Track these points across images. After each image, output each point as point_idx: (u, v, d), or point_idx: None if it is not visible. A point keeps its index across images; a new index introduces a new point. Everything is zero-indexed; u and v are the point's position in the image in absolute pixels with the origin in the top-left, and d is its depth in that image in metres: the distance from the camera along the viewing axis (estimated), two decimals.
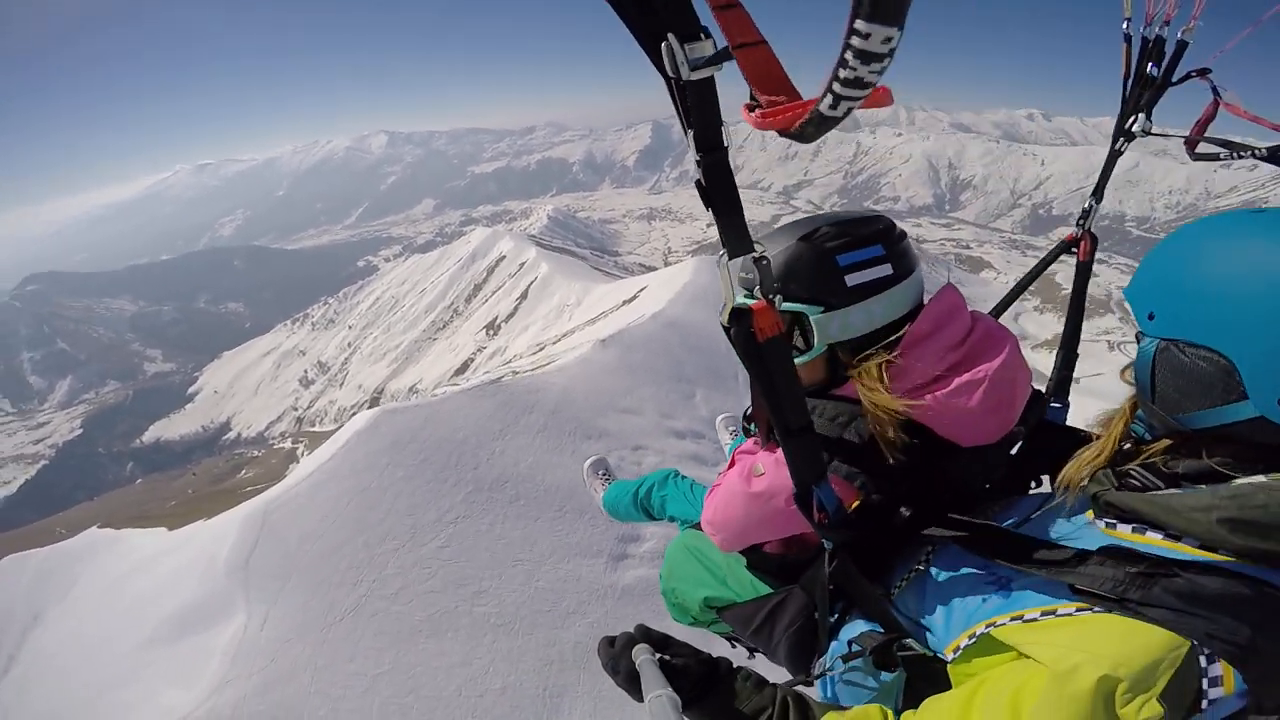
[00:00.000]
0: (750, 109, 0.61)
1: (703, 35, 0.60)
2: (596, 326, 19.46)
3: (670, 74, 0.62)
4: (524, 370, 14.79)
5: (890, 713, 0.98)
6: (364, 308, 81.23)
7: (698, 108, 0.67)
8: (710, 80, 0.63)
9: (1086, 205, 1.73)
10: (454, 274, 64.38)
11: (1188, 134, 1.57)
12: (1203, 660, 0.72)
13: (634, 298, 21.04)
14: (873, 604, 1.18)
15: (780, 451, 1.13)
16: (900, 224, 1.32)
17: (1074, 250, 1.78)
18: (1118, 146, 1.66)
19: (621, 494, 2.65)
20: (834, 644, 1.28)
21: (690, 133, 0.69)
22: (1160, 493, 0.84)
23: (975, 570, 1.03)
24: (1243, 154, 1.44)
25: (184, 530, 7.91)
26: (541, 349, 23.04)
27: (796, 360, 1.23)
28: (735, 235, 0.80)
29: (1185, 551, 0.79)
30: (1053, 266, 1.93)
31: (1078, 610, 0.81)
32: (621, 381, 8.96)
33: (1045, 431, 1.38)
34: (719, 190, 0.74)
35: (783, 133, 0.60)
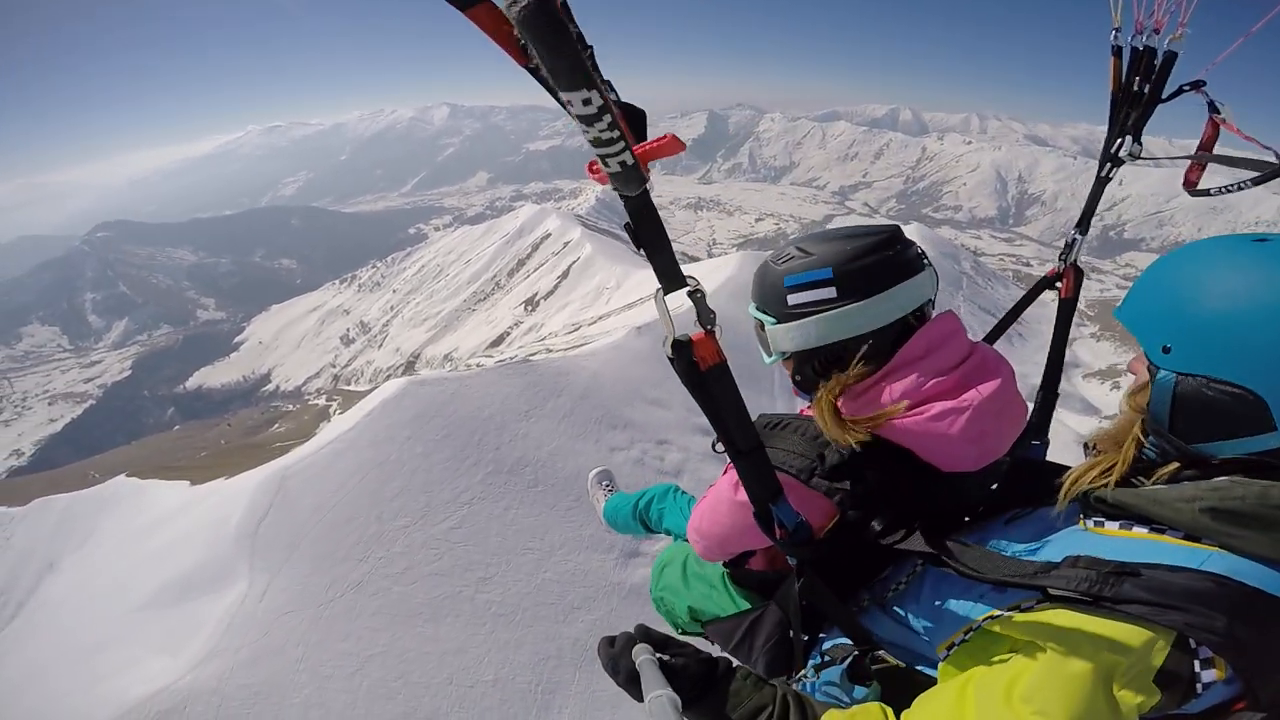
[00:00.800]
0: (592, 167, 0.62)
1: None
2: (633, 312, 19.30)
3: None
4: (557, 349, 14.76)
5: (890, 711, 0.98)
6: (410, 273, 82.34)
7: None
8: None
9: (1070, 238, 1.65)
10: (499, 247, 64.88)
11: (1181, 155, 1.45)
12: (1192, 644, 0.75)
13: None
14: (842, 619, 1.21)
15: None
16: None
17: (1056, 286, 1.71)
18: (1105, 173, 1.57)
19: (621, 505, 2.69)
20: (813, 657, 1.31)
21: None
22: (1148, 487, 0.89)
23: (956, 579, 1.04)
24: (1245, 184, 1.29)
25: (205, 486, 8.05)
26: (577, 329, 22.99)
27: (766, 360, 1.35)
28: (668, 270, 0.82)
29: (1168, 543, 0.83)
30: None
31: (1064, 605, 0.83)
32: (652, 371, 8.72)
33: (1022, 468, 1.33)
34: (646, 228, 0.75)
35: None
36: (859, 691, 1.20)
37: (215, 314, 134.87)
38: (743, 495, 1.23)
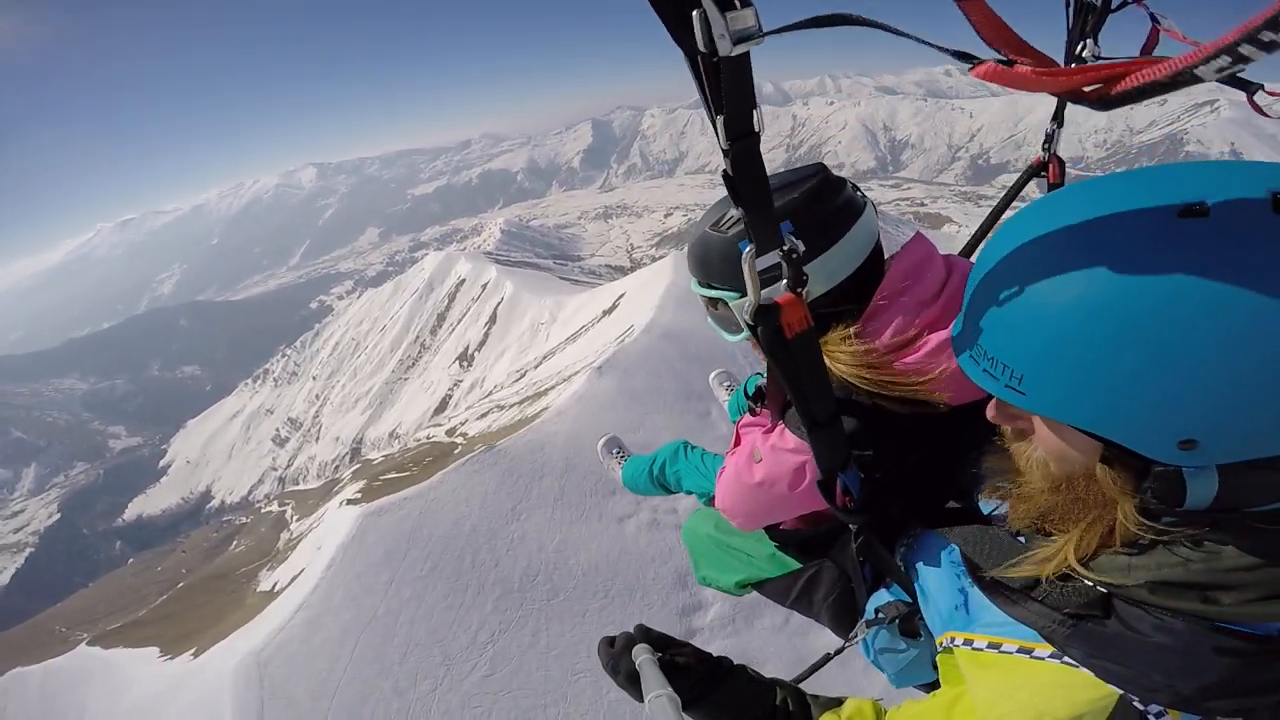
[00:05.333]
0: (1006, 65, 0.53)
1: (739, 3, 0.52)
2: (579, 344, 18.65)
3: (703, 49, 0.54)
4: (510, 404, 13.91)
5: (883, 710, 1.01)
6: (325, 355, 79.70)
7: (732, 88, 0.58)
8: (747, 57, 0.56)
9: (1049, 129, 1.74)
10: (413, 305, 62.78)
11: (1133, 59, 1.37)
12: (1137, 703, 0.70)
13: (614, 307, 20.20)
14: (898, 575, 1.19)
15: (775, 435, 1.25)
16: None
17: (1043, 174, 1.74)
18: None
19: (638, 472, 2.65)
20: (865, 614, 1.30)
21: (719, 118, 0.61)
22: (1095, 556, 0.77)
23: (941, 569, 1.03)
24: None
25: (178, 664, 7.02)
26: (523, 375, 22.09)
27: (733, 339, 1.30)
28: (764, 229, 0.75)
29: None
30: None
31: (1019, 650, 0.80)
32: (629, 414, 8.10)
33: None
34: (749, 181, 0.67)
35: (1071, 97, 0.52)
36: (910, 647, 1.22)
37: (129, 440, 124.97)
38: (756, 476, 1.27)
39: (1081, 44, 1.56)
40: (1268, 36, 0.37)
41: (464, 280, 56.35)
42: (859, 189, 1.23)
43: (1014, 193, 1.86)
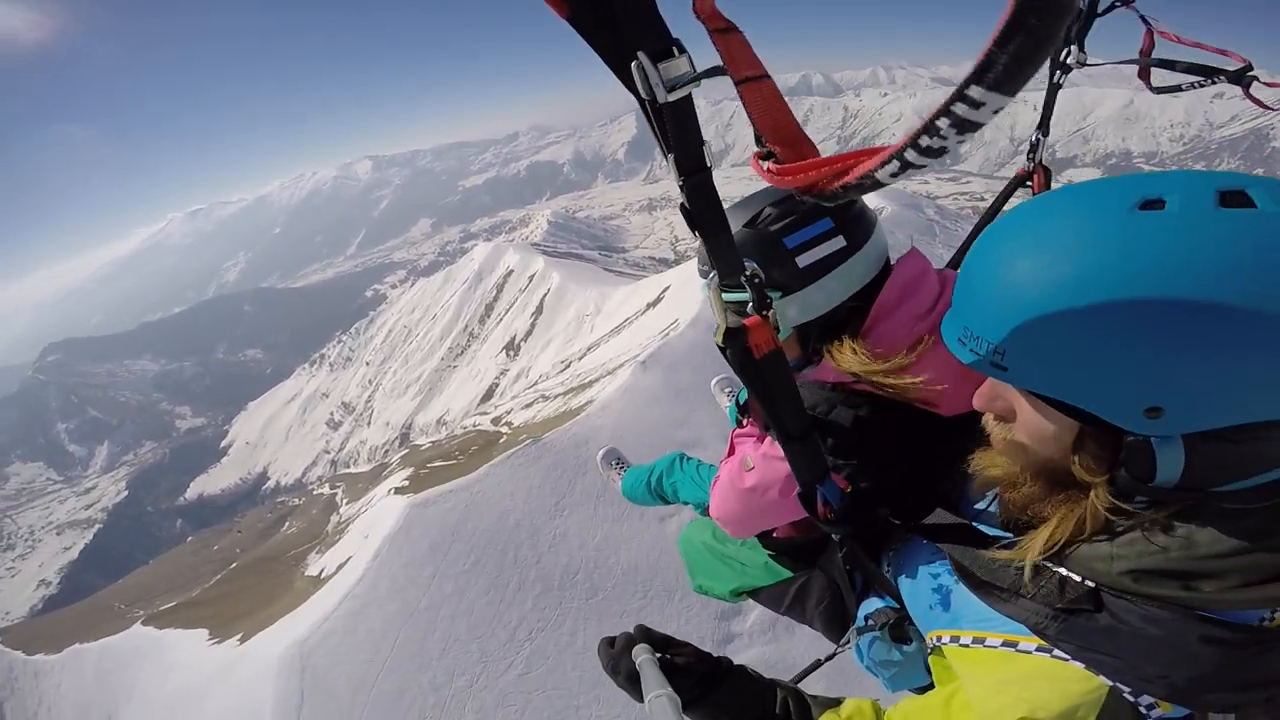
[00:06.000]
0: (761, 158, 0.58)
1: (676, 51, 0.55)
2: (624, 337, 18.51)
3: (644, 95, 0.57)
4: (555, 394, 13.86)
5: (882, 710, 1.01)
6: (378, 342, 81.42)
7: (676, 129, 0.62)
8: (688, 100, 0.59)
9: (1034, 139, 1.77)
10: (463, 295, 63.79)
11: (1129, 60, 1.70)
12: (1128, 695, 0.71)
13: (658, 299, 19.95)
14: (883, 583, 1.21)
15: (766, 444, 1.28)
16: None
17: (1028, 185, 1.78)
18: (1055, 80, 1.69)
19: (636, 482, 2.67)
20: (857, 620, 1.33)
21: (670, 156, 0.65)
22: (1076, 546, 0.79)
23: (925, 570, 1.04)
24: (1205, 81, 1.47)
25: (225, 648, 7.25)
26: (568, 365, 22.13)
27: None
28: (724, 257, 0.79)
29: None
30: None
31: (1003, 644, 0.81)
32: (673, 409, 7.87)
33: None
34: (705, 213, 0.71)
35: (804, 193, 0.56)
36: (899, 652, 1.22)
37: (194, 421, 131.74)
38: (747, 482, 1.31)
39: (1065, 50, 1.59)
40: (925, 142, 0.40)
41: (512, 271, 56.98)
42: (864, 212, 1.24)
43: (1000, 203, 1.88)
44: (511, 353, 47.09)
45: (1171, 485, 0.70)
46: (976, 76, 0.35)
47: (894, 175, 0.44)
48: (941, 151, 0.40)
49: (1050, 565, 0.80)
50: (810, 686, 1.18)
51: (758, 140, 0.59)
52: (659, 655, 1.02)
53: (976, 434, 0.97)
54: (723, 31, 0.62)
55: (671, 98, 0.56)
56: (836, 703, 1.05)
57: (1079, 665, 0.73)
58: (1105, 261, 0.63)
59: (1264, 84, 1.59)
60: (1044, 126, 1.80)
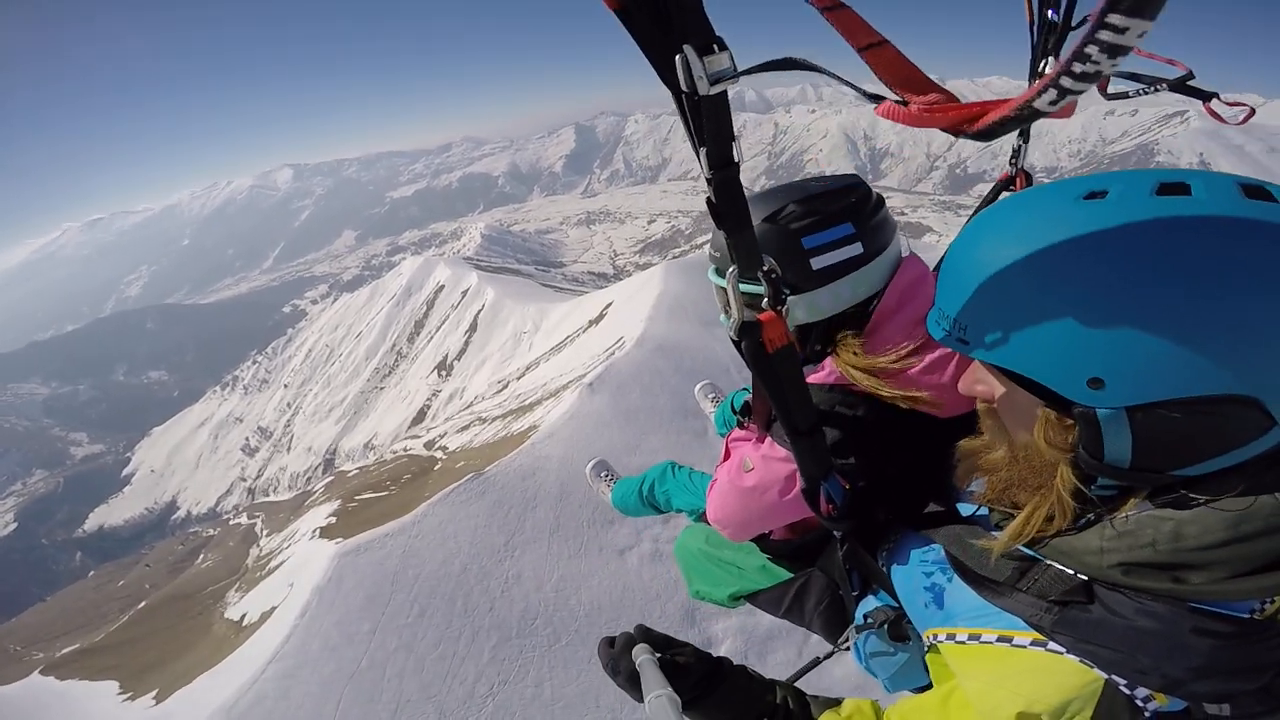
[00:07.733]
0: (901, 105, 0.59)
1: (717, 47, 0.58)
2: (565, 355, 18.17)
3: (684, 89, 0.59)
4: (492, 416, 13.38)
5: (882, 710, 1.02)
6: (297, 362, 78.13)
7: (711, 124, 0.64)
8: (724, 95, 0.61)
9: (1016, 145, 1.79)
10: (390, 312, 61.59)
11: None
12: (1124, 687, 0.72)
13: (600, 316, 19.71)
14: (882, 580, 1.21)
15: (765, 445, 1.29)
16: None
17: (1011, 189, 1.80)
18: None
19: (628, 493, 2.65)
20: (855, 619, 1.33)
21: (702, 150, 0.67)
22: (1061, 537, 0.80)
23: (919, 569, 1.06)
24: (1150, 88, 1.57)
25: (137, 711, 6.39)
26: (506, 386, 21.53)
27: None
28: (746, 252, 0.81)
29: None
30: None
31: (999, 640, 0.83)
32: (623, 434, 7.64)
33: None
34: (730, 207, 0.74)
35: (953, 131, 0.57)
36: (900, 651, 1.23)
37: (91, 448, 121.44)
38: (747, 482, 1.31)
39: (1044, 61, 1.59)
40: (1079, 68, 0.42)
41: (443, 286, 55.40)
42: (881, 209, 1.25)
43: (984, 206, 1.88)
44: (444, 373, 45.81)
45: (1125, 464, 0.72)
46: (1113, 4, 0.37)
47: (1052, 103, 0.46)
48: (1096, 75, 0.42)
49: (1043, 559, 0.81)
50: (808, 686, 1.17)
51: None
52: (659, 655, 1.02)
53: (975, 433, 0.99)
54: (833, 9, 0.64)
55: (713, 91, 0.58)
56: (836, 702, 1.06)
57: (1074, 659, 0.74)
58: (1045, 235, 0.70)
59: (1226, 104, 1.66)
60: (1024, 134, 1.85)
